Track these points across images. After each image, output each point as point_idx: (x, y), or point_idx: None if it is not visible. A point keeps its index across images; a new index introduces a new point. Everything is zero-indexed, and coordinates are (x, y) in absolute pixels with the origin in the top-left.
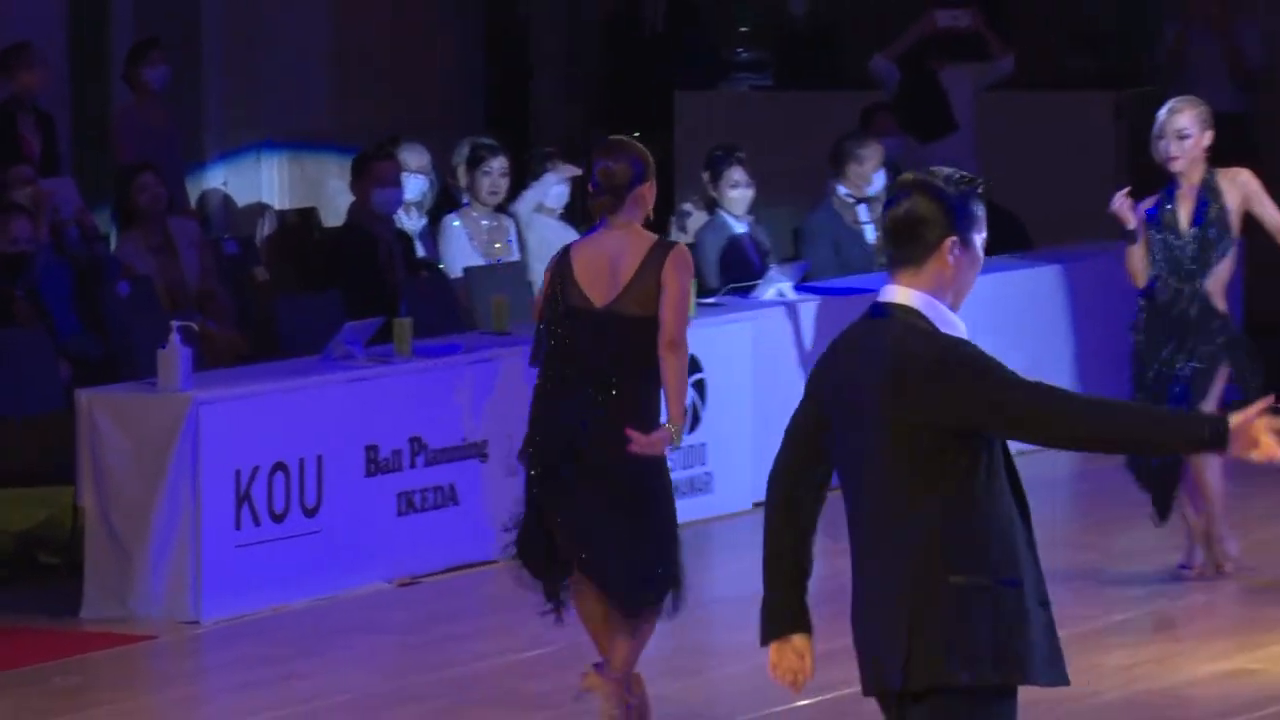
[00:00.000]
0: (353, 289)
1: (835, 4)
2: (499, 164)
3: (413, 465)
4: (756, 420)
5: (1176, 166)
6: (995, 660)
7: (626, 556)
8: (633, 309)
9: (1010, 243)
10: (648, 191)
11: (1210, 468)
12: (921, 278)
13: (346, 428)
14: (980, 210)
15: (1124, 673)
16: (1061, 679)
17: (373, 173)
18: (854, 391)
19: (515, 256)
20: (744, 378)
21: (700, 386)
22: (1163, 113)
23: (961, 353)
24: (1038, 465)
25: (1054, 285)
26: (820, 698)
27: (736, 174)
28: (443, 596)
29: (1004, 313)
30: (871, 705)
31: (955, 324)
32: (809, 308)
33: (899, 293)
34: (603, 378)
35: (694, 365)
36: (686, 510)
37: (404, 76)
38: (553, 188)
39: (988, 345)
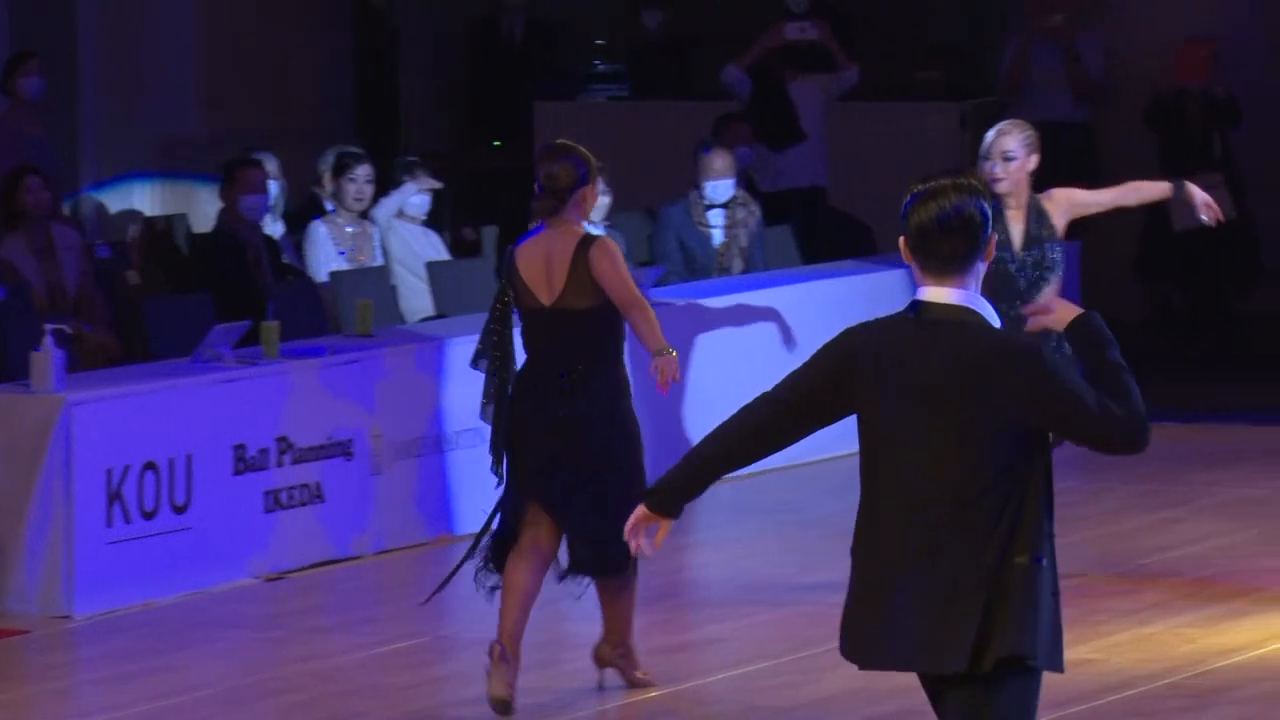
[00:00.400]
0: (222, 293)
1: (689, 16)
2: (364, 171)
3: (279, 464)
4: (647, 412)
5: (1001, 188)
6: (1051, 644)
7: (592, 522)
8: (577, 302)
9: (858, 248)
10: (589, 194)
11: None
12: (968, 278)
13: (215, 427)
14: None
15: None
16: (1061, 667)
17: (240, 179)
18: (919, 387)
19: (379, 261)
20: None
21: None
22: (990, 134)
23: (1039, 353)
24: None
25: (899, 289)
26: (671, 689)
27: (597, 183)
28: (309, 591)
29: (851, 316)
30: (712, 693)
31: (996, 320)
32: (663, 313)
33: (953, 294)
34: (566, 370)
35: None
36: None
37: (275, 85)
38: (413, 196)
39: None
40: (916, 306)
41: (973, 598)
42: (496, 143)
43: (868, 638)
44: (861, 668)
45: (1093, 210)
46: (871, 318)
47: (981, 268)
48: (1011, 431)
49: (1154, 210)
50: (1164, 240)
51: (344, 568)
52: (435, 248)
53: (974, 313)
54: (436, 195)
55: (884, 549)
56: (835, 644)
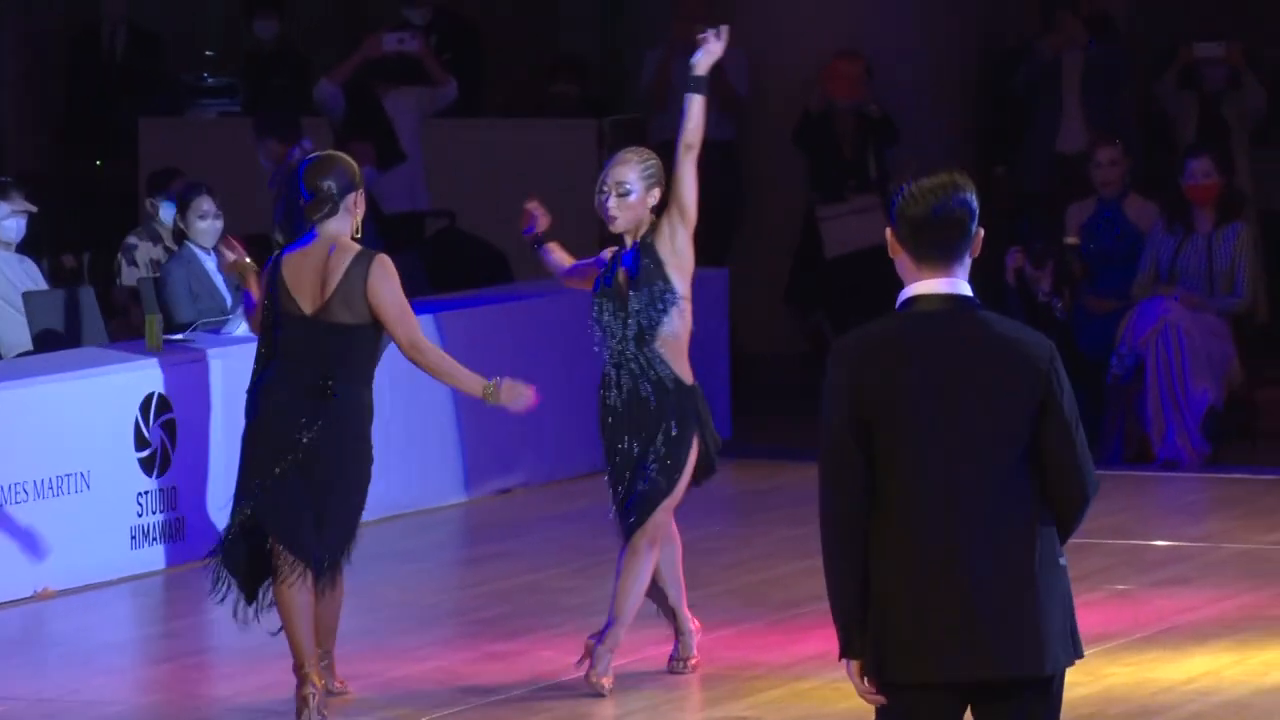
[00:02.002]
0: None
1: (306, 26)
2: None
3: None
4: (230, 461)
5: (616, 227)
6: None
7: (316, 531)
8: (342, 316)
9: (492, 275)
10: (357, 202)
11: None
12: (965, 269)
13: None
14: None
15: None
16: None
17: None
18: (949, 381)
19: None
20: (215, 418)
21: (170, 427)
22: (607, 163)
23: (1057, 353)
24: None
25: (538, 319)
26: (503, 697)
27: (205, 205)
28: None
29: (486, 350)
30: (545, 704)
31: None
32: None
33: (959, 285)
34: (317, 381)
35: (164, 405)
36: (151, 560)
37: None
38: (5, 220)
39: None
40: (915, 300)
41: (1031, 595)
42: (98, 162)
43: (933, 648)
44: (927, 683)
45: (686, 205)
46: (506, 353)
47: (969, 261)
48: (1035, 428)
49: (806, 235)
50: (815, 267)
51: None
52: (32, 276)
53: (976, 302)
54: (32, 220)
55: (928, 551)
56: None
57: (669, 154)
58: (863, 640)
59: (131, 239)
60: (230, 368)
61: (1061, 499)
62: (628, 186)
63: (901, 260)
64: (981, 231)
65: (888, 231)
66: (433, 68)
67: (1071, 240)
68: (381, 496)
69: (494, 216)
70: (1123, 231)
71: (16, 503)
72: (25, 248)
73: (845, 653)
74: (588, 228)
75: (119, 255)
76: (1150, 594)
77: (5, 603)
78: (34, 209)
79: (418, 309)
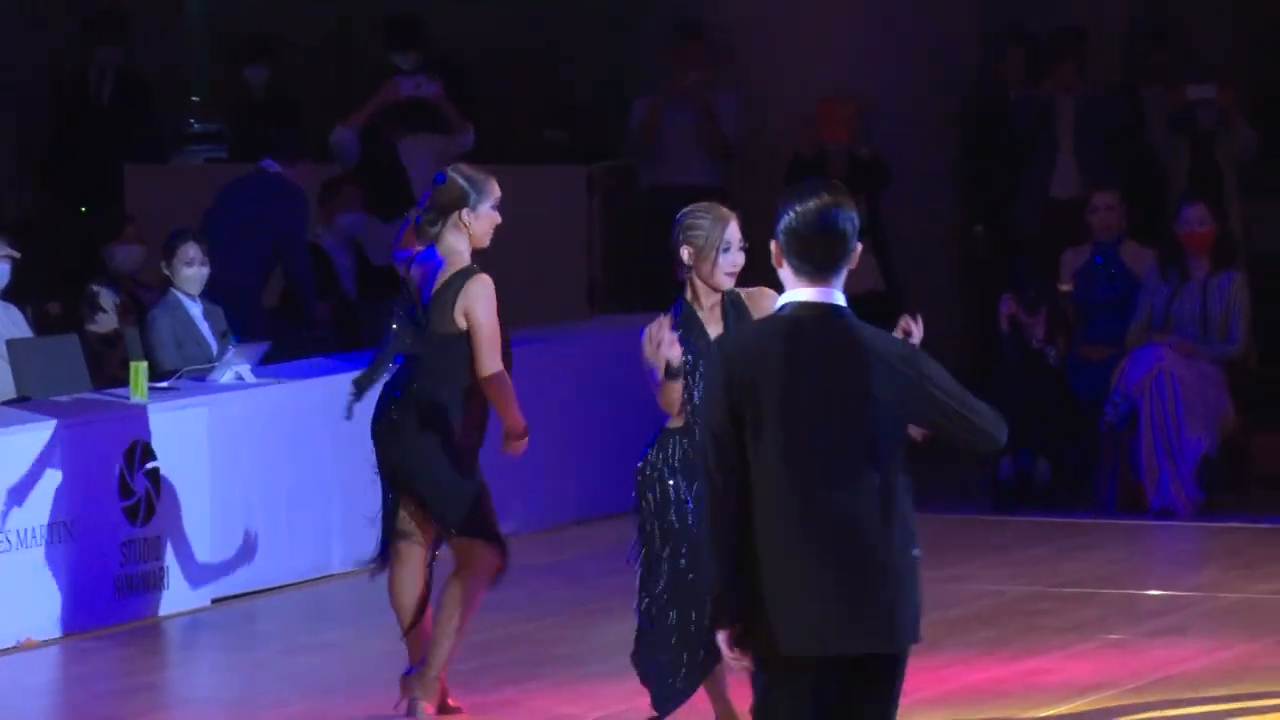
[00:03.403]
0: None
1: (295, 73)
2: None
3: None
4: (215, 510)
5: (727, 285)
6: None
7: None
8: (441, 328)
9: None
10: (465, 219)
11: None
12: (841, 280)
13: None
14: None
15: None
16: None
17: None
18: (819, 382)
19: None
20: (200, 466)
21: (154, 476)
22: (706, 219)
23: (920, 352)
24: None
25: (527, 368)
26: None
27: (191, 251)
28: None
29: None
30: None
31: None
32: (269, 391)
33: (834, 294)
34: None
35: (148, 453)
36: (135, 609)
37: None
38: None
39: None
40: (792, 306)
41: (888, 579)
42: (84, 209)
43: (800, 624)
44: (795, 654)
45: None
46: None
47: (846, 273)
48: (896, 421)
49: None
50: None
51: None
52: (16, 323)
53: (849, 312)
54: (17, 266)
55: (796, 537)
56: None
57: (657, 200)
58: (734, 613)
59: (95, 286)
60: (215, 415)
61: (980, 453)
62: (743, 242)
63: (784, 271)
64: (860, 246)
65: (772, 244)
66: (450, 114)
67: (1065, 287)
68: (364, 546)
69: (487, 260)
70: (1118, 277)
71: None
72: (10, 295)
73: (717, 623)
74: (577, 268)
75: (83, 303)
76: (1145, 644)
77: None
78: (18, 255)
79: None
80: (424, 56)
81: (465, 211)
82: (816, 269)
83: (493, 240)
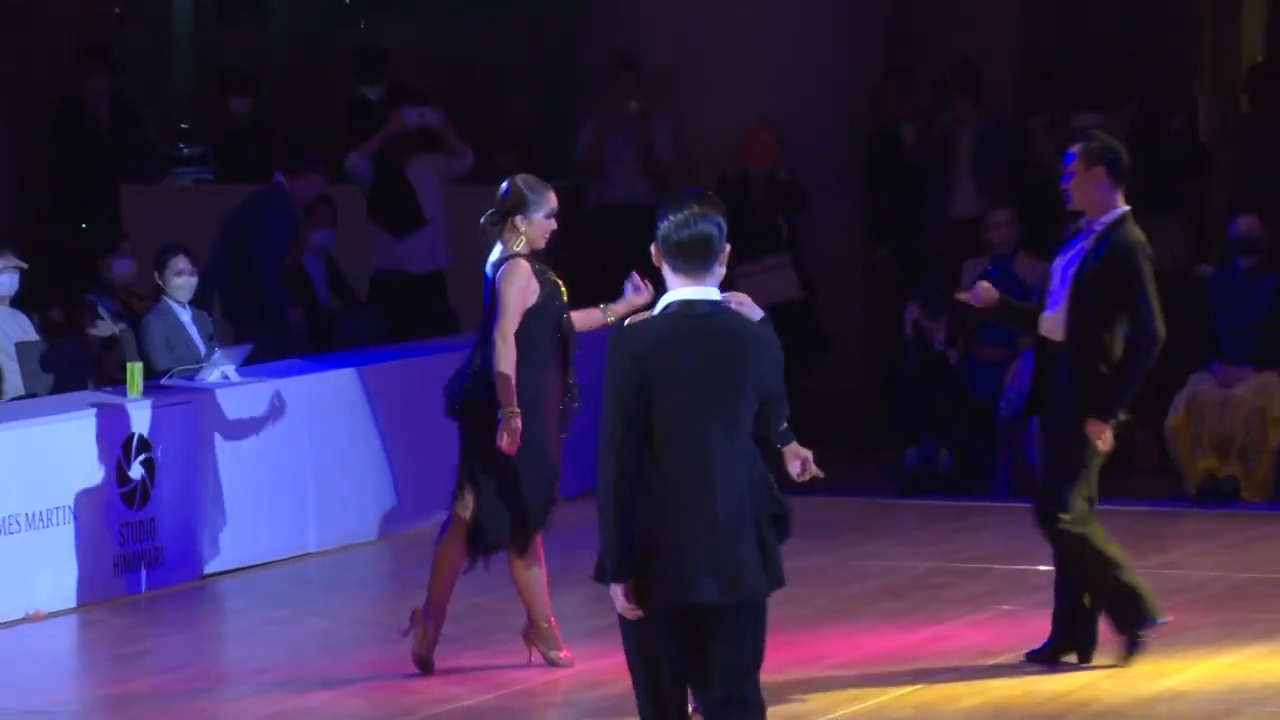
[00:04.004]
0: None
1: (274, 103)
2: None
3: None
4: (204, 495)
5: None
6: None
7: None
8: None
9: (445, 330)
10: (518, 224)
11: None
12: (715, 278)
13: None
14: None
15: None
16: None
17: None
18: (699, 364)
19: None
20: (190, 455)
21: (150, 465)
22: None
23: (777, 342)
24: None
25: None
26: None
27: (181, 263)
28: None
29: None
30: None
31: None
32: (252, 389)
33: (711, 292)
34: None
35: (144, 444)
36: (132, 585)
37: None
38: None
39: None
40: (678, 304)
41: (751, 534)
42: (84, 225)
43: (667, 578)
44: (671, 604)
45: None
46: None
47: (720, 270)
48: (757, 398)
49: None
50: None
51: None
52: (24, 328)
53: (723, 304)
54: (24, 275)
55: (680, 500)
56: None
57: (604, 219)
58: (631, 570)
59: (92, 295)
60: (204, 410)
61: (761, 438)
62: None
63: (665, 270)
64: (729, 247)
65: (653, 247)
66: (450, 140)
67: (963, 296)
68: (337, 527)
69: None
70: (1012, 286)
71: (10, 533)
72: (17, 302)
73: (615, 578)
74: None
75: (84, 310)
76: (1034, 614)
77: (0, 624)
78: (25, 266)
79: (427, 351)
80: (390, 87)
81: (519, 218)
82: (691, 269)
83: (449, 255)
